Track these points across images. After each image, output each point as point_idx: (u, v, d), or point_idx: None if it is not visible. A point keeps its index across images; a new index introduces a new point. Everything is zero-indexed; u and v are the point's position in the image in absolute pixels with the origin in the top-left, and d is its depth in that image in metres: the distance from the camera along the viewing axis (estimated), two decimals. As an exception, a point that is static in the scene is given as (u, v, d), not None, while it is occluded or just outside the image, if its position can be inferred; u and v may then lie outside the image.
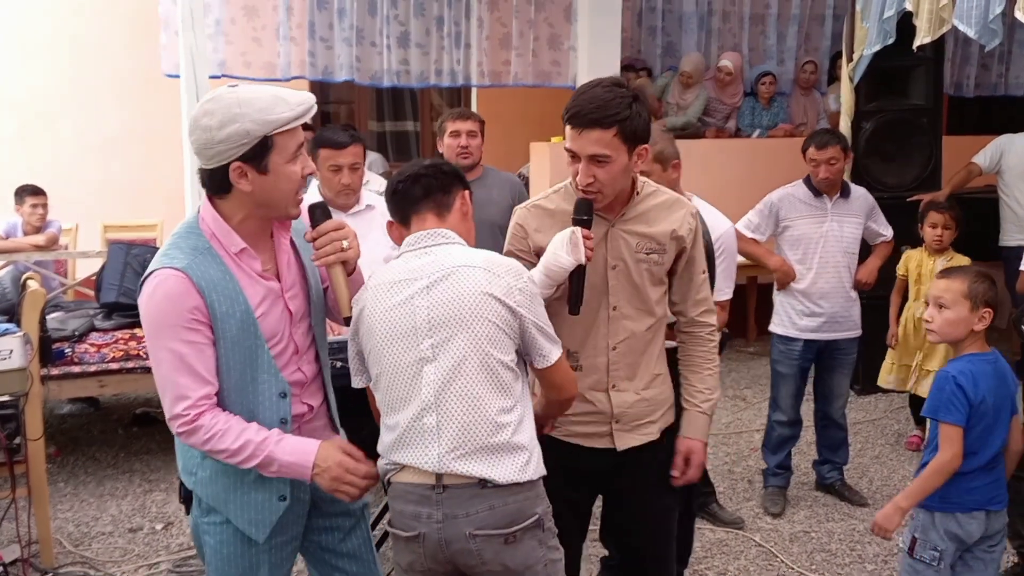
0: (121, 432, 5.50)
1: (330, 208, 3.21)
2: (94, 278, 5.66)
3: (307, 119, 2.00)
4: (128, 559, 3.86)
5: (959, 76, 8.32)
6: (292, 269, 2.13)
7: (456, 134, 4.22)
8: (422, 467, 2.00)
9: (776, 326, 4.33)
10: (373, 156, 7.59)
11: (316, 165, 3.56)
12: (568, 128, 2.25)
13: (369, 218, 3.62)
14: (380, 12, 7.28)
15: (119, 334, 4.86)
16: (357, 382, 2.22)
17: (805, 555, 3.85)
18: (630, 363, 2.39)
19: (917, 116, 5.83)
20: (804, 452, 4.71)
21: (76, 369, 4.56)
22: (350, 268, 2.12)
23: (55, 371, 4.44)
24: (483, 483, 1.99)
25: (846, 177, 5.52)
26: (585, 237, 2.22)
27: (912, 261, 4.74)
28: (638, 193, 2.37)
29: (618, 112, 2.18)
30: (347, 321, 2.14)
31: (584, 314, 2.35)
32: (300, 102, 1.96)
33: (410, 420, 2.02)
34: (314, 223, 2.08)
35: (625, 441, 2.41)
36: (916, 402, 4.77)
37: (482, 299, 2.02)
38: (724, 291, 3.34)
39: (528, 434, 2.07)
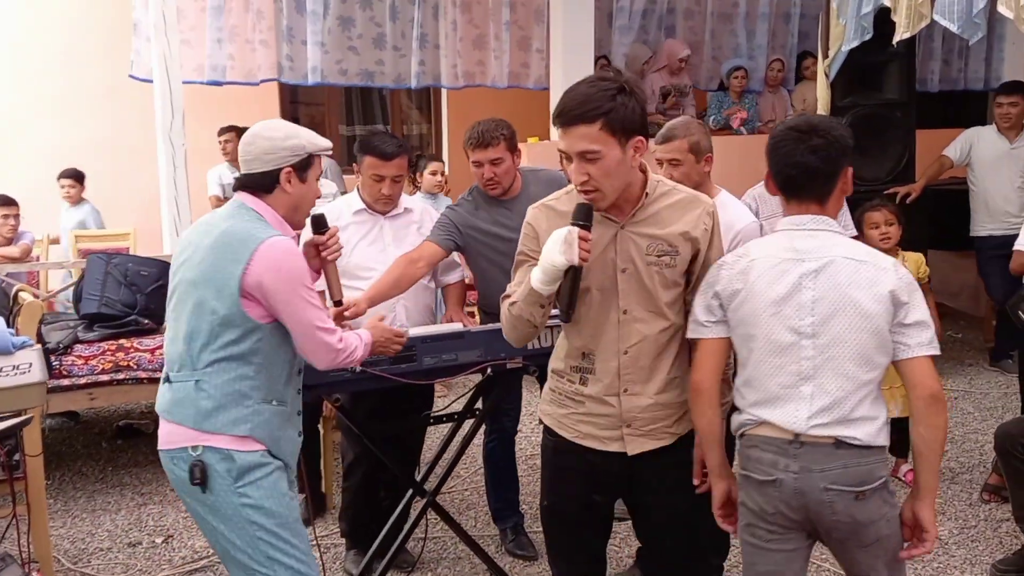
0: (105, 445, 5.37)
1: (371, 210, 3.55)
2: (72, 289, 5.55)
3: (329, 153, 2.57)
4: (131, 574, 3.78)
5: (923, 71, 8.50)
6: None
7: (479, 164, 3.54)
8: (789, 427, 2.21)
9: None
10: (328, 162, 7.50)
11: (360, 169, 3.54)
12: (558, 131, 2.23)
13: (407, 221, 3.63)
14: (348, 14, 7.24)
15: (105, 345, 4.76)
16: (713, 330, 2.34)
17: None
18: (643, 367, 2.35)
19: (891, 110, 5.94)
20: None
21: (65, 382, 4.46)
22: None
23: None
24: (838, 443, 2.18)
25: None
26: (582, 239, 2.19)
27: None
28: (648, 193, 2.31)
29: (600, 105, 2.14)
30: (338, 303, 2.89)
31: (596, 318, 2.34)
32: (327, 139, 2.54)
33: (783, 385, 2.23)
34: (319, 230, 2.77)
35: (636, 446, 2.37)
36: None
37: (863, 290, 2.19)
38: None
39: (879, 403, 2.25)
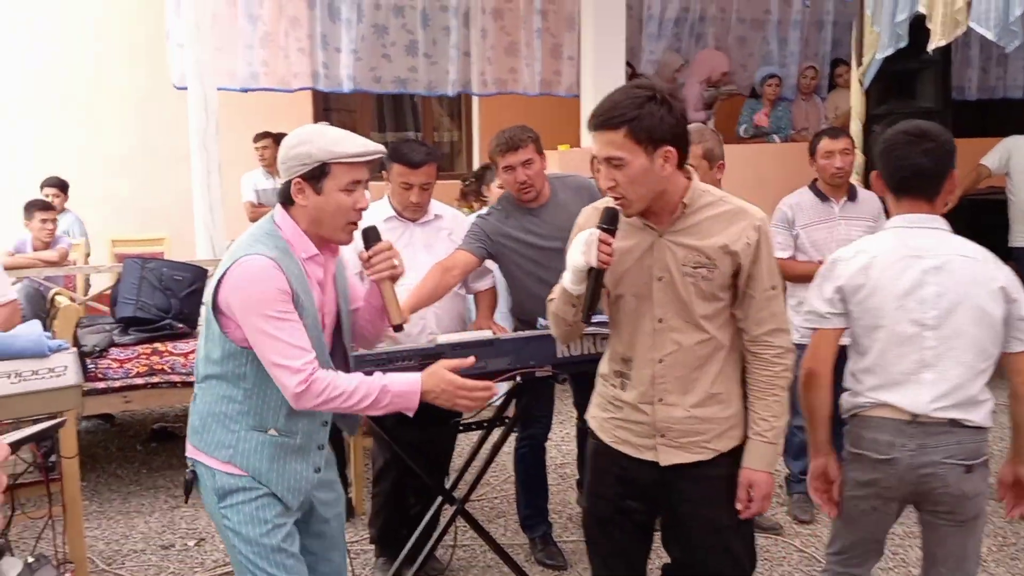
0: (140, 448, 5.45)
1: (401, 217, 3.38)
2: (108, 293, 5.63)
3: (366, 160, 2.24)
4: (163, 576, 3.83)
5: (960, 79, 8.41)
6: (328, 290, 2.38)
7: (510, 168, 3.53)
8: (909, 409, 2.45)
9: (792, 332, 4.28)
10: None
11: (389, 177, 3.56)
12: (591, 135, 2.26)
13: (437, 227, 3.65)
14: (382, 22, 7.30)
15: (140, 349, 4.81)
16: (835, 321, 2.56)
17: (844, 557, 3.85)
18: (679, 377, 2.32)
19: (927, 119, 5.80)
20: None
21: (101, 385, 4.52)
22: (395, 282, 2.43)
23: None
24: (953, 422, 2.43)
25: (858, 180, 5.61)
26: (604, 242, 2.19)
27: None
28: (686, 204, 2.28)
29: (625, 112, 2.14)
30: (397, 328, 2.45)
31: (632, 324, 2.34)
32: (364, 144, 2.24)
33: (904, 372, 2.46)
34: (368, 244, 2.38)
35: (669, 457, 2.35)
36: None
37: (981, 286, 2.43)
38: None
39: (989, 391, 2.48)
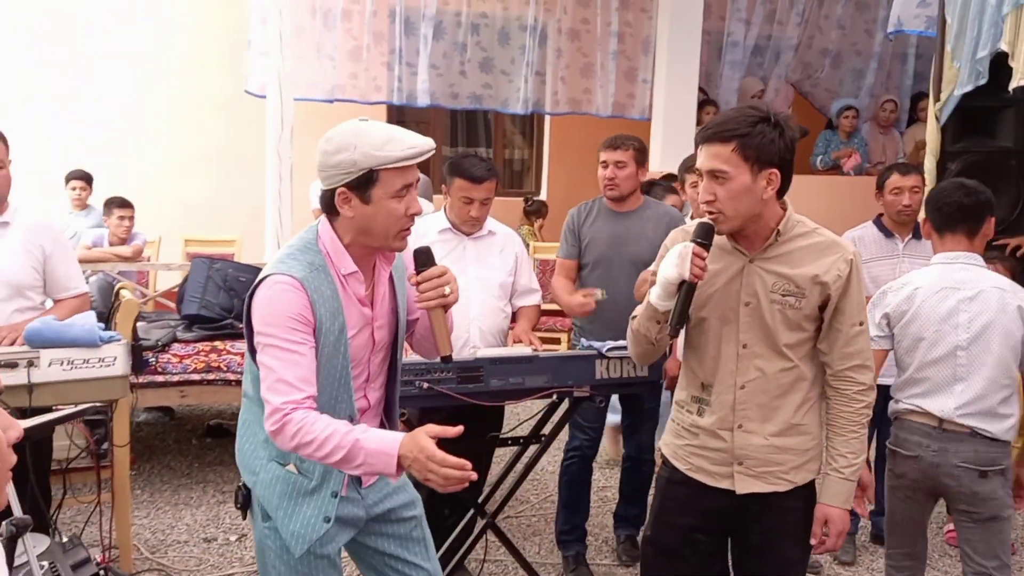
0: (195, 443, 5.60)
1: (457, 230, 3.40)
2: (175, 290, 5.81)
3: (417, 161, 2.04)
4: (203, 569, 3.91)
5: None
6: (385, 301, 2.21)
7: (605, 164, 3.83)
8: (937, 414, 2.85)
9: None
10: (422, 178, 7.66)
11: (449, 191, 3.63)
12: (699, 150, 2.26)
13: (489, 243, 3.69)
14: (459, 39, 7.41)
15: (200, 346, 4.96)
16: (881, 343, 2.98)
17: (884, 603, 3.76)
18: (761, 404, 2.30)
19: (1005, 158, 5.69)
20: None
21: (159, 378, 4.67)
22: (447, 311, 2.19)
23: (140, 379, 4.54)
24: (974, 432, 2.81)
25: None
26: (698, 255, 2.18)
27: None
28: (780, 231, 2.27)
29: (738, 128, 2.16)
30: (445, 360, 2.21)
31: (715, 347, 2.33)
32: (412, 145, 2.02)
33: (938, 384, 2.87)
34: (419, 268, 2.14)
35: (746, 485, 2.32)
36: None
37: (1010, 312, 2.85)
38: None
39: (1015, 407, 2.87)
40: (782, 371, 2.30)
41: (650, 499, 2.80)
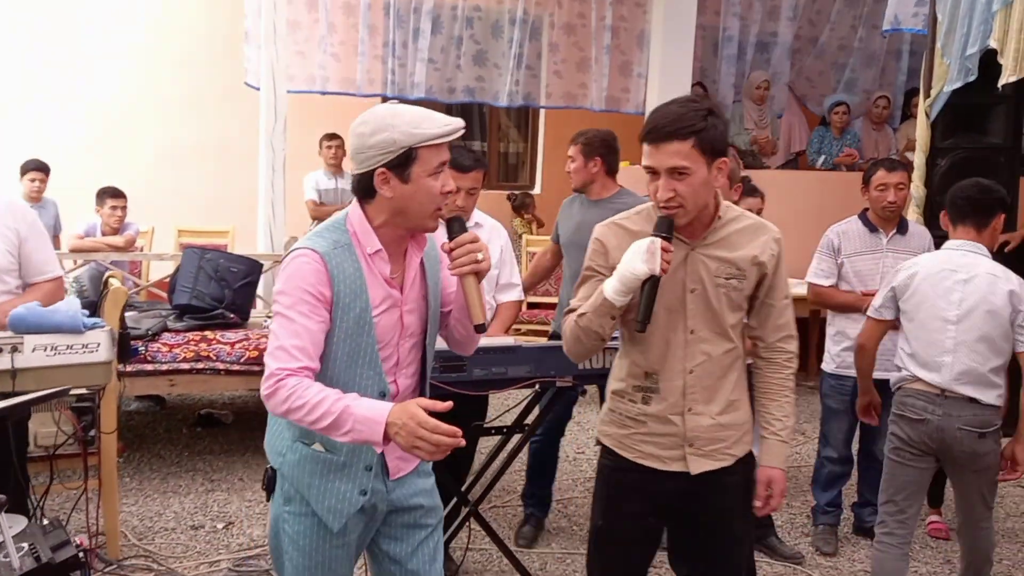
0: (185, 431, 5.62)
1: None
2: (167, 280, 5.83)
3: (451, 138, 2.06)
4: (190, 555, 3.94)
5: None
6: (415, 287, 2.21)
7: (571, 159, 4.07)
8: (936, 384, 3.20)
9: (827, 363, 4.23)
10: None
11: None
12: (646, 146, 2.26)
13: (476, 234, 3.70)
14: (455, 33, 7.43)
15: (190, 335, 4.99)
16: (884, 314, 3.40)
17: (865, 594, 3.80)
18: (707, 387, 2.38)
19: (994, 155, 5.71)
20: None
21: (149, 367, 4.70)
22: (480, 279, 2.18)
23: (129, 368, 4.57)
24: (971, 399, 3.16)
25: (917, 214, 5.50)
26: (664, 250, 2.21)
27: None
28: (720, 217, 2.36)
29: (694, 123, 2.19)
30: (479, 328, 2.19)
31: (662, 336, 2.36)
32: (447, 122, 2.05)
33: (932, 356, 3.22)
34: (451, 235, 2.14)
35: (699, 465, 2.38)
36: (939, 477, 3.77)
37: (996, 296, 3.15)
38: None
39: (1001, 376, 3.21)
40: (725, 352, 2.38)
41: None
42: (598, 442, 2.55)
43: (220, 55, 7.57)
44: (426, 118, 2.03)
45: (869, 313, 3.46)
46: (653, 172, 2.27)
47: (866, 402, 3.67)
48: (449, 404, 1.95)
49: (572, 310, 2.42)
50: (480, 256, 2.12)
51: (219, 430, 5.65)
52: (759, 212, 4.22)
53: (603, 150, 3.98)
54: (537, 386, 3.26)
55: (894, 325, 3.42)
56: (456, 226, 2.14)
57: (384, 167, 2.02)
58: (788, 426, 2.46)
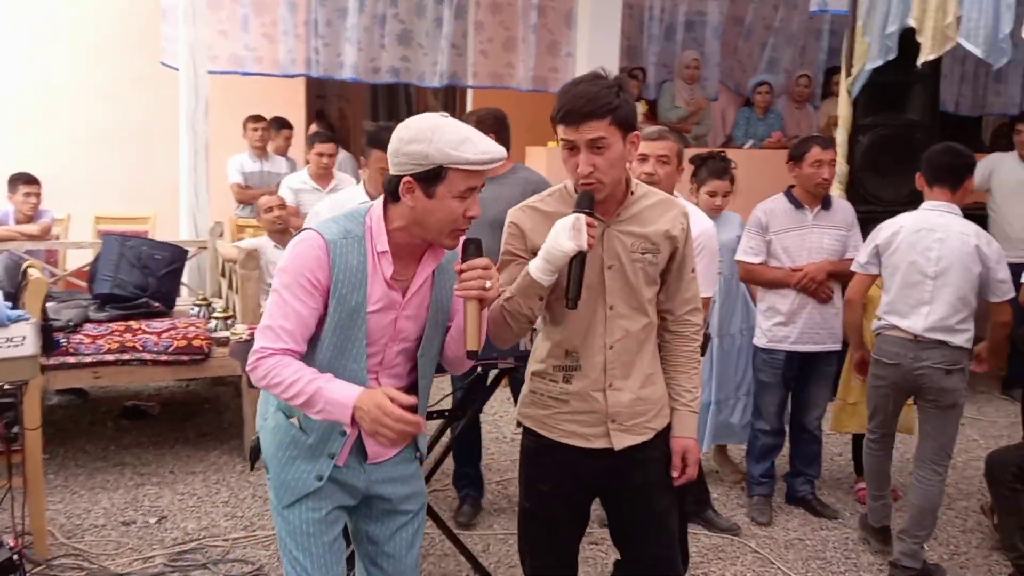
0: (110, 425, 5.45)
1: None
2: (87, 269, 5.64)
3: (485, 168, 2.06)
4: (122, 552, 3.82)
5: (954, 94, 8.41)
6: (420, 295, 2.21)
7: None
8: (911, 331, 3.63)
9: (759, 338, 4.31)
10: (344, 155, 7.56)
11: (368, 163, 3.61)
12: (563, 128, 2.26)
13: None
14: (379, 12, 7.30)
15: (114, 326, 4.84)
16: (869, 269, 3.83)
17: (800, 562, 3.88)
18: (626, 362, 2.41)
19: (913, 131, 5.86)
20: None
21: (71, 359, 4.54)
22: (484, 306, 2.17)
23: (51, 361, 4.41)
24: (940, 343, 3.58)
25: (840, 189, 5.62)
26: (589, 225, 2.22)
27: None
28: (632, 193, 2.39)
29: (609, 101, 2.22)
30: (471, 355, 2.17)
31: (583, 314, 2.36)
32: (486, 151, 2.05)
33: (911, 306, 3.64)
34: (465, 256, 2.14)
35: (622, 440, 2.41)
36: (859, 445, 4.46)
37: (970, 252, 3.56)
38: (705, 289, 3.34)
39: (971, 324, 3.62)
40: (643, 327, 2.42)
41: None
42: (519, 424, 2.55)
43: (136, 34, 7.30)
44: (466, 140, 2.03)
45: (854, 268, 3.85)
46: (572, 147, 2.27)
47: (859, 357, 4.02)
48: (414, 399, 2.02)
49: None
50: (488, 284, 2.12)
51: (146, 422, 5.49)
52: (725, 195, 4.26)
53: (496, 127, 3.94)
54: (479, 369, 3.23)
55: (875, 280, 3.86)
56: (472, 248, 2.13)
57: (412, 177, 2.04)
58: (698, 397, 2.51)
